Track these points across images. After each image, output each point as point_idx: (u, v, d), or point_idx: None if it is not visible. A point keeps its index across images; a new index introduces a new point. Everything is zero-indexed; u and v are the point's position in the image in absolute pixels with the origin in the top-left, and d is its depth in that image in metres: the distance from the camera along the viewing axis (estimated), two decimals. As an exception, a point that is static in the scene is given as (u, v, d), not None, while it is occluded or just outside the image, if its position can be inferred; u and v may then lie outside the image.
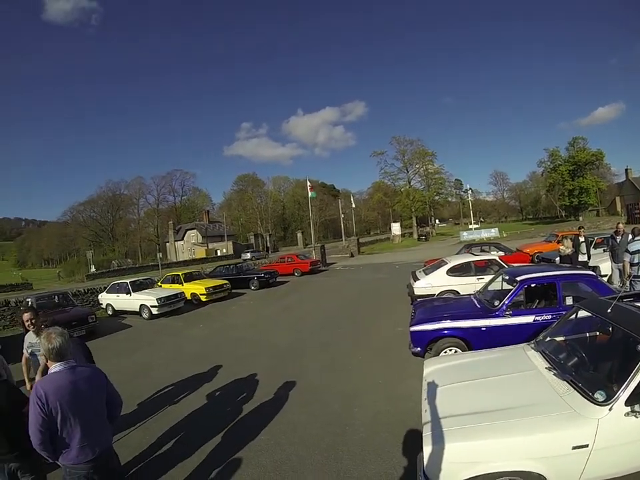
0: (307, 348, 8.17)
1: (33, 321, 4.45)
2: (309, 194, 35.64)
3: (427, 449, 2.75)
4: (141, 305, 13.49)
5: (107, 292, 15.30)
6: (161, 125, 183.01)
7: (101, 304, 15.50)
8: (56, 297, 13.07)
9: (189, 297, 15.38)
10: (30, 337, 4.59)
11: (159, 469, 4.13)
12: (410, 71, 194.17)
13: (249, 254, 49.22)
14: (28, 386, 4.76)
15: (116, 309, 14.71)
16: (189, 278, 16.70)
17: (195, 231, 69.34)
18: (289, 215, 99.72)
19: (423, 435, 2.92)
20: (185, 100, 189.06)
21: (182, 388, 6.50)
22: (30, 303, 11.92)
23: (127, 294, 14.10)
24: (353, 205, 54.31)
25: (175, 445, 4.63)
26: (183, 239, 70.23)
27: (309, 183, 36.89)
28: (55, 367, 2.58)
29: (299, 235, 72.65)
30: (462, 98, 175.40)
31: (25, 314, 4.59)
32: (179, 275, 16.88)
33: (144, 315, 13.41)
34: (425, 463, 2.73)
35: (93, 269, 43.77)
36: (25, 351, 4.69)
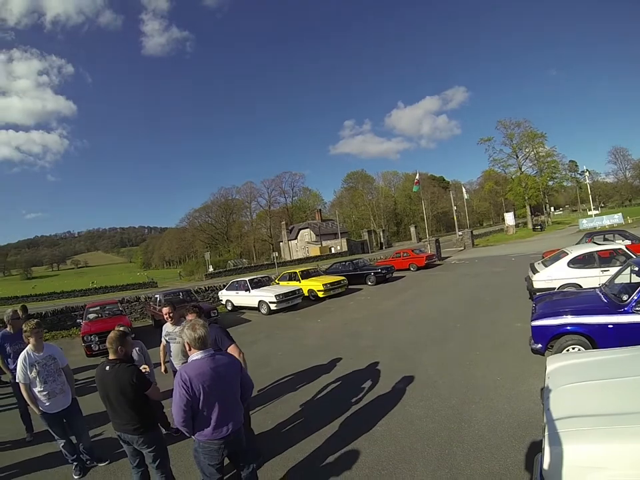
0: (424, 342, 8.26)
1: (171, 315, 5.33)
2: (413, 187, 35.63)
3: (548, 450, 2.63)
4: (260, 301, 14.73)
5: (226, 289, 17.14)
6: (268, 132, 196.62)
7: (221, 300, 17.50)
8: (180, 294, 15.10)
9: (306, 294, 16.30)
10: (167, 327, 5.48)
11: (278, 448, 4.67)
12: (508, 46, 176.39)
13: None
14: (162, 368, 5.68)
15: (235, 304, 16.43)
16: (306, 275, 17.72)
17: (308, 229, 72.56)
18: (401, 209, 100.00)
19: (544, 434, 2.82)
20: (286, 107, 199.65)
21: (301, 378, 7.11)
22: (158, 299, 14.06)
23: (246, 291, 15.56)
24: (465, 196, 52.06)
25: (293, 428, 5.18)
26: (296, 238, 74.09)
27: (417, 177, 36.55)
28: (196, 355, 3.02)
29: (412, 229, 71.92)
30: (568, 68, 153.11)
31: (165, 308, 5.49)
32: (295, 272, 18.02)
33: (262, 311, 14.63)
34: (545, 465, 2.63)
35: (210, 269, 49.14)
36: (162, 338, 5.56)
